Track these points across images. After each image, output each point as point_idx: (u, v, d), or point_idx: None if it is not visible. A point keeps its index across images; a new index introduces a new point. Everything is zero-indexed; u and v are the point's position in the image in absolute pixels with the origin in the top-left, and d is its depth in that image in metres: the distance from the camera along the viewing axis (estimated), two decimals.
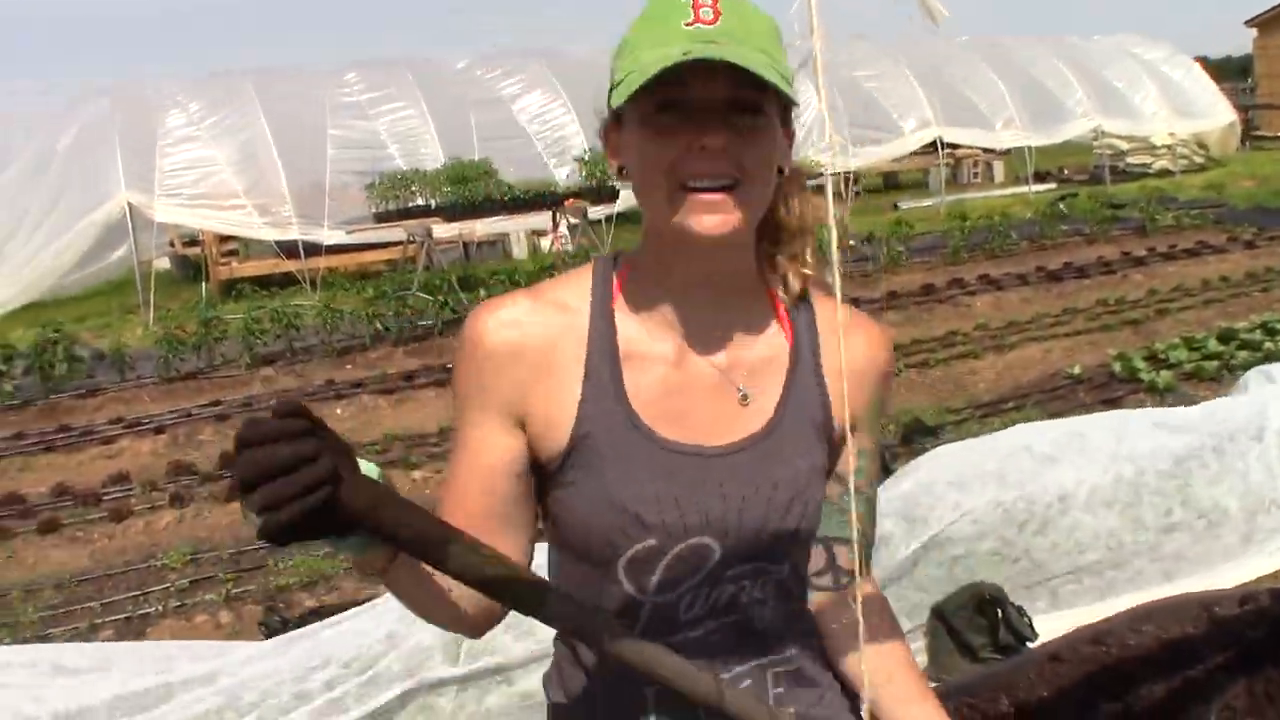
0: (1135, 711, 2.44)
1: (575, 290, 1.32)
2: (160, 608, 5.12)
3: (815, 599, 1.40)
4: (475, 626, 1.30)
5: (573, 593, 1.30)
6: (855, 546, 1.13)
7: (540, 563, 1.37)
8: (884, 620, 1.44)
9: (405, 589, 1.21)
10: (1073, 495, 3.96)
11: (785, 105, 1.24)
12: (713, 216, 1.19)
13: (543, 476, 1.32)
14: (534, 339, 1.28)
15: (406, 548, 0.98)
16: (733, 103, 1.18)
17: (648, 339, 1.30)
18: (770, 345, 1.34)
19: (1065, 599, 3.94)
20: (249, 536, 5.85)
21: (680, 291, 1.30)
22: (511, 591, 1.10)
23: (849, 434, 1.28)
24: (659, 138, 1.19)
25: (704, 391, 1.30)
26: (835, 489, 1.37)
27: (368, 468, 1.06)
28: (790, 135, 1.29)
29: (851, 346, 1.29)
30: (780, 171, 1.28)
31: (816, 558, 1.39)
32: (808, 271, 1.35)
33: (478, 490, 1.30)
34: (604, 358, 1.28)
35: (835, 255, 0.96)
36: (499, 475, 1.30)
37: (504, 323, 1.28)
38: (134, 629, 4.95)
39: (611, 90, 1.24)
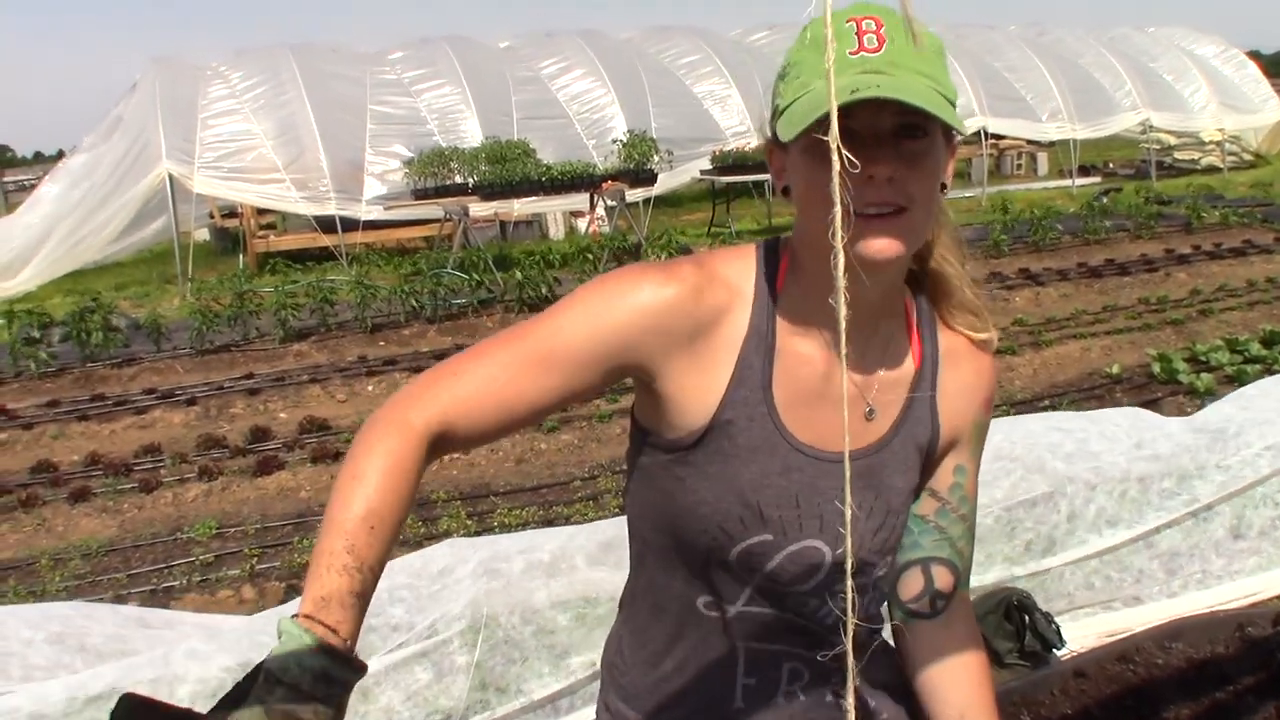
0: None
1: (742, 272, 1.33)
2: (185, 581, 5.14)
3: (911, 626, 1.42)
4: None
5: (662, 570, 1.38)
6: (848, 553, 1.11)
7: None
8: (969, 653, 1.44)
9: None
10: None
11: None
12: (880, 241, 1.19)
13: (663, 449, 1.33)
14: (701, 312, 1.27)
15: None
16: (900, 130, 1.17)
17: (802, 341, 1.32)
18: (900, 366, 1.37)
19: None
20: (275, 512, 5.89)
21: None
22: None
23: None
24: (829, 167, 1.19)
25: (839, 403, 1.32)
26: (930, 505, 1.41)
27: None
28: (953, 150, 1.29)
29: (964, 371, 1.39)
30: (943, 188, 1.28)
31: (912, 581, 1.41)
32: (962, 298, 1.39)
33: (526, 364, 1.24)
34: (759, 349, 1.30)
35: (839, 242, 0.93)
36: (553, 374, 1.24)
37: (681, 282, 1.27)
38: (158, 601, 4.97)
39: (778, 114, 1.23)
